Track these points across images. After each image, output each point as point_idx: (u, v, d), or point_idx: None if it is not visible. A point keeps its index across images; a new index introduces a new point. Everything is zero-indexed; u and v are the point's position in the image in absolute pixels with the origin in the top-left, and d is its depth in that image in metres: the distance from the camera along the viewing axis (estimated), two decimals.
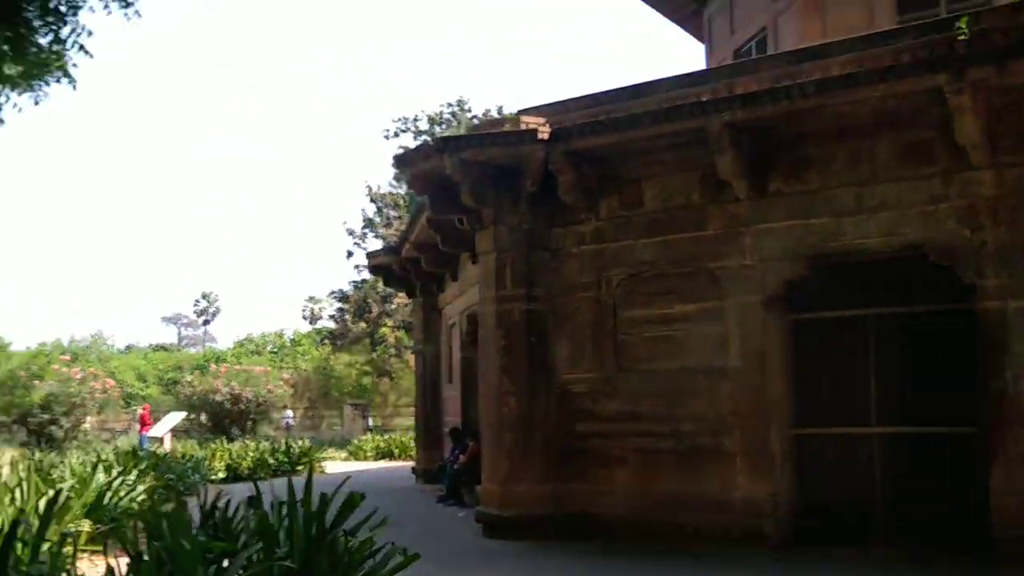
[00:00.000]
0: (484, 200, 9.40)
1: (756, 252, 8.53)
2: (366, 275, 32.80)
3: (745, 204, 8.56)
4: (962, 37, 7.51)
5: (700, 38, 17.78)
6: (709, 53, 15.53)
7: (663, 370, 8.93)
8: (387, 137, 35.38)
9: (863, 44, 8.30)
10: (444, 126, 35.16)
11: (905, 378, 8.24)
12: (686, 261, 8.89)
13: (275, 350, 45.65)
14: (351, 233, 32.22)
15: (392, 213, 32.08)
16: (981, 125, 7.30)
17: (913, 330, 8.21)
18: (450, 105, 35.51)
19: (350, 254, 32.38)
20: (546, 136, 8.86)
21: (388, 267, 15.67)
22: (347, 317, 32.12)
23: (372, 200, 32.55)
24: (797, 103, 7.77)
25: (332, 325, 34.40)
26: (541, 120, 9.28)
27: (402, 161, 9.58)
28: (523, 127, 9.19)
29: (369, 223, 32.26)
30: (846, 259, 8.23)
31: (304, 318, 39.68)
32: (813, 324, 8.59)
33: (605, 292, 9.31)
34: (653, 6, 16.75)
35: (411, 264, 14.97)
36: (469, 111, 35.45)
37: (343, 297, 32.61)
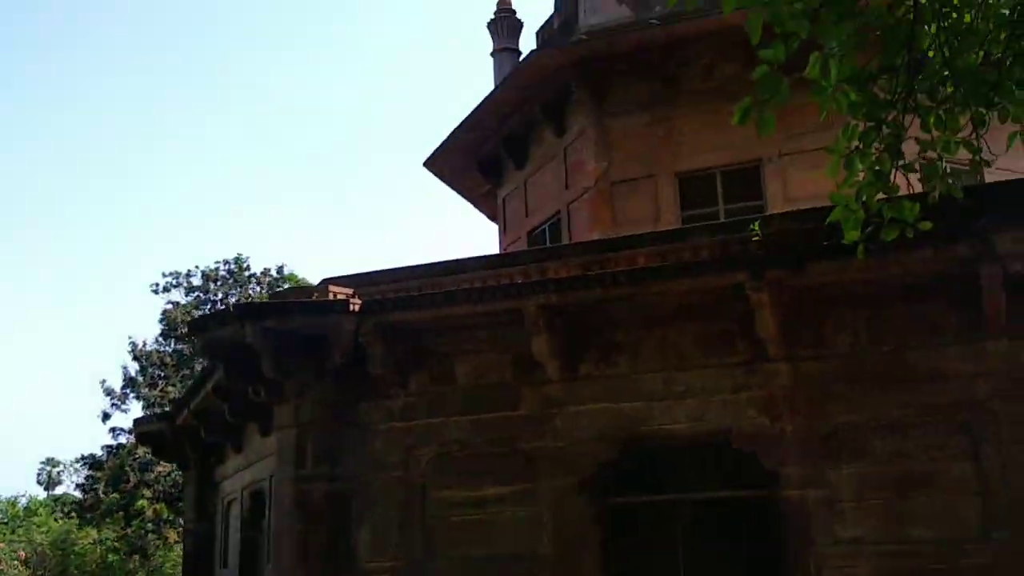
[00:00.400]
0: (287, 371, 8.92)
1: (568, 434, 8.52)
2: (123, 439, 30.29)
3: (558, 385, 8.60)
4: (756, 238, 8.11)
5: (493, 218, 18.39)
6: (503, 233, 16.00)
7: (474, 557, 8.58)
8: (155, 291, 33.68)
9: (666, 238, 8.79)
10: (220, 283, 33.99)
11: (715, 566, 8.33)
12: (499, 441, 8.75)
13: (6, 520, 40.77)
14: (109, 393, 29.86)
15: (158, 373, 30.14)
16: (778, 320, 7.77)
17: (723, 517, 8.39)
18: (227, 263, 34.48)
19: (107, 416, 29.91)
20: (357, 308, 8.61)
21: (159, 434, 14.47)
22: (98, 486, 29.29)
23: (136, 358, 30.51)
24: (610, 291, 8.01)
25: (78, 494, 31.21)
26: (349, 291, 9.04)
27: (198, 326, 8.98)
28: (331, 296, 8.91)
29: (131, 382, 30.09)
30: (657, 444, 8.38)
31: (39, 483, 35.88)
32: (627, 509, 8.60)
33: (414, 471, 8.94)
34: (448, 183, 17.20)
35: (187, 433, 13.91)
36: (248, 269, 34.55)
37: (95, 463, 29.80)
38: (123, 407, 29.91)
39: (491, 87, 16.15)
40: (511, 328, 8.67)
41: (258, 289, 34.43)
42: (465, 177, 16.90)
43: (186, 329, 31.03)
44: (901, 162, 5.80)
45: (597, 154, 13.35)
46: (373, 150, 60.89)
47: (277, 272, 34.84)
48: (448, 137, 15.60)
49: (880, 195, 5.94)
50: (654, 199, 12.92)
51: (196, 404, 12.49)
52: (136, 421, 15.39)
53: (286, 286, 34.44)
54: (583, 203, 13.53)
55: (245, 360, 9.04)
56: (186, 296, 33.68)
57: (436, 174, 16.78)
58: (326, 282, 9.34)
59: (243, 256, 34.80)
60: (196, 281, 34.09)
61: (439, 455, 8.93)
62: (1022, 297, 7.18)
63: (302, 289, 9.37)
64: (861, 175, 6.05)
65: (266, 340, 8.62)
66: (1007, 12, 5.77)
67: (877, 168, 5.98)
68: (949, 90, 5.70)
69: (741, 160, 12.67)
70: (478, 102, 16.01)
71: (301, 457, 8.90)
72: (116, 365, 51.03)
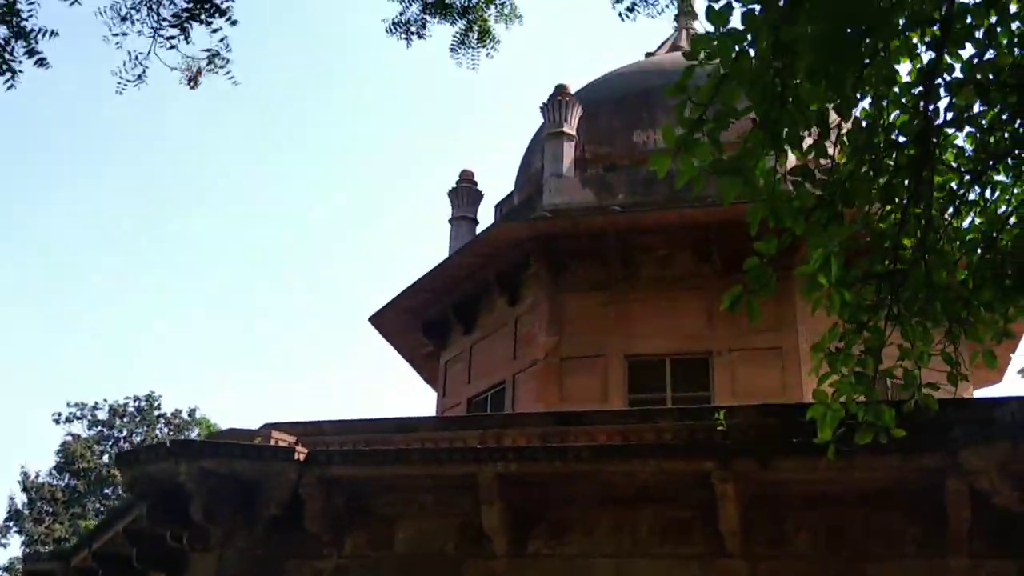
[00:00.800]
0: (216, 518, 8.34)
1: None
2: None
3: (504, 562, 8.17)
4: (720, 427, 8.03)
5: (431, 381, 18.11)
6: (442, 397, 15.70)
7: None
8: (57, 421, 32.09)
9: (628, 418, 8.66)
10: (127, 419, 32.58)
11: None
12: None
13: None
14: None
15: (46, 508, 28.25)
16: (740, 515, 7.58)
17: None
18: (137, 399, 33.20)
19: None
20: (302, 457, 8.17)
21: (50, 575, 13.31)
22: None
23: (25, 489, 28.63)
24: (571, 465, 7.78)
25: None
26: (291, 438, 8.63)
27: (128, 459, 8.39)
28: (273, 443, 8.48)
29: (16, 515, 28.10)
30: None
31: None
32: None
33: None
34: (391, 340, 16.98)
35: None
36: (159, 408, 33.27)
37: None
38: (2, 541, 27.80)
39: (445, 252, 16.30)
40: (460, 495, 8.32)
41: (166, 430, 33.10)
42: (408, 336, 16.69)
43: (83, 464, 29.48)
44: (881, 367, 5.85)
45: (549, 328, 13.35)
46: (314, 303, 60.55)
47: (189, 415, 33.64)
48: (400, 294, 15.50)
49: (861, 398, 5.96)
50: (603, 379, 12.86)
51: (100, 545, 11.58)
52: (27, 557, 14.20)
53: (195, 430, 33.20)
54: (531, 375, 13.40)
55: (171, 501, 8.45)
56: (88, 429, 32.16)
57: (379, 329, 16.54)
58: (268, 427, 8.90)
59: (155, 394, 33.61)
60: (102, 415, 32.68)
61: None
62: (986, 515, 7.14)
63: (240, 432, 8.90)
64: (843, 373, 6.07)
65: (200, 481, 8.08)
66: (978, 236, 6.02)
67: (859, 370, 6.01)
68: (926, 303, 5.82)
69: (691, 350, 12.77)
70: (431, 265, 16.16)
71: None
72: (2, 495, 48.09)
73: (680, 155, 4.65)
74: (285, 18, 59.47)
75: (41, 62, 6.07)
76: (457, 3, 7.58)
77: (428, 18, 7.63)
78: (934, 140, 5.30)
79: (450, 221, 17.00)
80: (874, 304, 5.86)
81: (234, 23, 6.17)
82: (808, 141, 5.35)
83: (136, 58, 6.07)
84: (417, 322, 16.04)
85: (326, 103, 65.77)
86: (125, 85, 6.16)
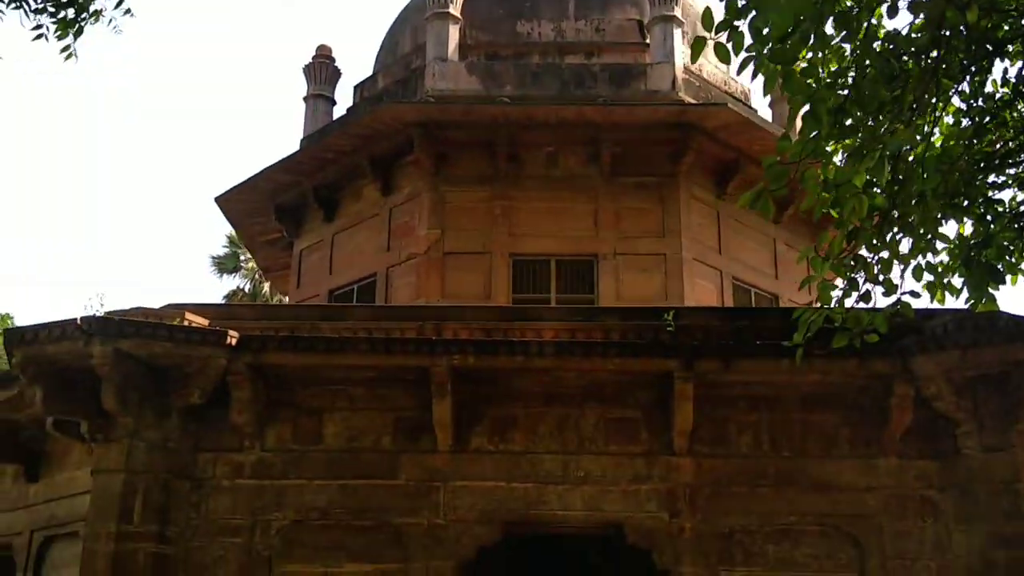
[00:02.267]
0: (126, 405, 7.43)
1: (451, 511, 7.75)
2: None
3: (444, 456, 7.85)
4: (669, 328, 8.04)
5: (269, 269, 17.15)
6: (295, 288, 14.84)
7: None
8: None
9: (572, 315, 8.47)
10: None
11: None
12: (367, 512, 7.78)
13: None
14: None
15: None
16: (695, 414, 7.64)
17: None
18: None
19: None
20: (233, 342, 7.40)
21: None
22: None
23: None
24: (533, 361, 7.52)
25: None
26: (204, 321, 7.82)
27: (21, 338, 7.23)
28: (188, 324, 7.63)
29: None
30: (546, 529, 7.85)
31: None
32: None
33: (260, 540, 7.69)
34: (234, 224, 15.83)
35: None
36: None
37: None
38: None
39: (298, 132, 15.29)
40: (396, 388, 7.91)
41: None
42: (256, 221, 15.59)
43: None
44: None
45: (431, 221, 12.81)
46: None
47: None
48: (257, 175, 14.33)
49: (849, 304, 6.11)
50: (487, 276, 12.54)
51: None
52: None
53: None
54: (408, 268, 12.86)
55: (73, 385, 7.45)
56: None
57: (224, 211, 15.32)
58: (179, 307, 8.01)
59: None
60: None
61: (293, 523, 7.77)
62: (922, 419, 7.59)
63: (147, 311, 7.90)
64: (833, 282, 6.18)
65: (116, 364, 7.14)
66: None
67: (853, 276, 6.13)
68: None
69: (577, 252, 12.69)
70: (293, 143, 15.12)
71: (125, 511, 7.36)
72: None
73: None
74: None
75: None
76: None
77: None
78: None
79: (305, 99, 15.89)
80: (881, 212, 5.96)
81: None
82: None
83: None
84: (270, 206, 14.97)
85: None
86: None
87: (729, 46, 4.95)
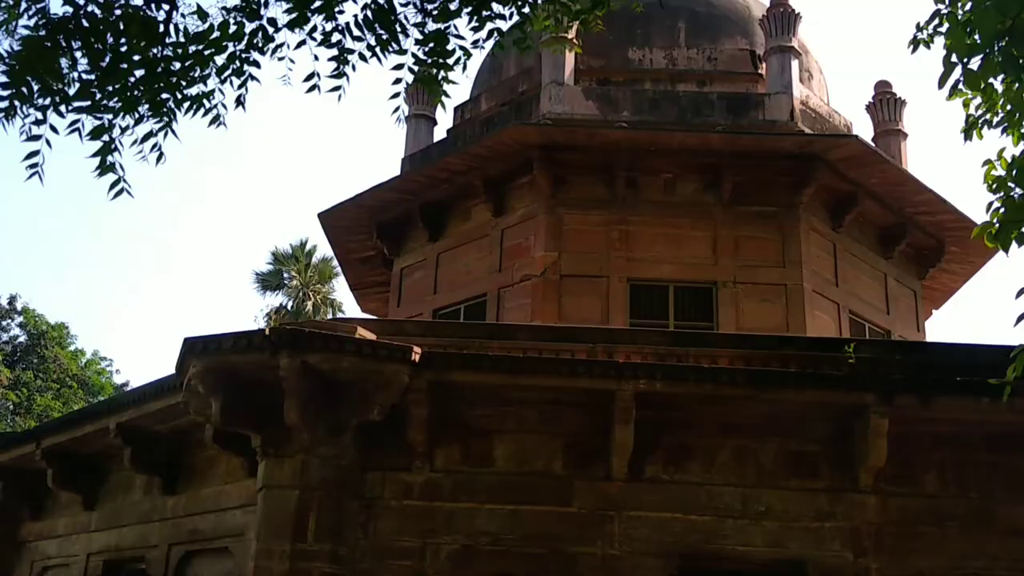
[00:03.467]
0: (305, 420, 7.23)
1: (626, 542, 7.50)
2: None
3: (619, 484, 7.60)
4: (850, 361, 7.79)
5: (355, 287, 16.99)
6: (396, 306, 14.68)
7: None
8: None
9: (742, 344, 8.25)
10: None
11: None
12: (539, 539, 7.52)
13: None
14: None
15: None
16: (889, 450, 7.38)
17: None
18: None
19: None
20: (417, 358, 7.20)
21: None
22: None
23: None
24: (723, 389, 7.29)
25: None
26: (373, 336, 7.63)
27: (204, 347, 7.04)
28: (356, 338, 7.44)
29: None
30: (722, 564, 7.57)
31: None
32: None
33: (430, 564, 7.45)
34: (332, 240, 15.67)
35: (4, 475, 11.13)
36: None
37: None
38: None
39: (398, 152, 15.24)
40: (566, 411, 7.69)
41: None
42: (354, 238, 15.47)
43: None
44: None
45: (547, 243, 12.65)
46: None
47: (8, 302, 30.25)
48: (362, 192, 14.24)
49: None
50: (604, 301, 12.35)
51: (52, 440, 10.02)
52: None
53: (18, 319, 29.98)
54: (523, 290, 12.67)
55: (251, 397, 7.26)
56: None
57: (324, 227, 15.21)
58: (347, 321, 7.84)
59: None
60: None
61: (463, 548, 7.52)
62: None
63: (318, 324, 7.73)
64: None
65: (301, 378, 6.95)
66: None
67: None
68: None
69: (696, 279, 12.49)
70: (400, 161, 15.02)
71: (300, 529, 7.13)
72: None
73: None
74: None
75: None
76: None
77: None
78: None
79: (407, 119, 15.73)
80: None
81: None
82: None
83: None
84: (371, 223, 14.85)
85: None
86: None
87: None
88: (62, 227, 54.87)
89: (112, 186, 4.54)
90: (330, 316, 39.84)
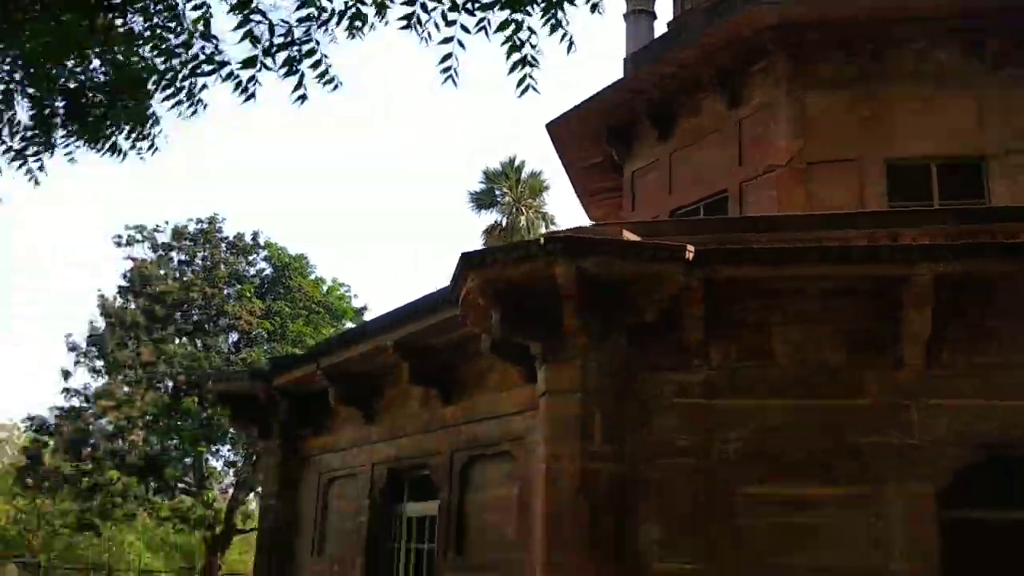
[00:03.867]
0: (583, 326, 7.27)
1: (925, 431, 7.13)
2: (76, 402, 27.35)
3: (913, 372, 7.21)
4: None
5: (584, 194, 16.92)
6: (631, 210, 14.52)
7: (796, 566, 7.09)
8: (118, 244, 30.82)
9: None
10: (192, 242, 31.35)
11: None
12: (827, 432, 7.29)
13: None
14: (73, 348, 26.86)
15: (127, 334, 27.27)
16: None
17: None
18: (199, 221, 31.86)
19: (68, 374, 26.85)
20: (691, 256, 7.04)
21: (248, 396, 12.43)
22: (44, 452, 26.13)
23: (104, 314, 27.60)
24: None
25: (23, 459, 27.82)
26: (635, 237, 7.49)
27: (482, 260, 7.20)
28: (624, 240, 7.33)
29: (98, 339, 27.18)
30: None
31: None
32: (971, 526, 7.25)
33: (715, 461, 7.40)
34: (560, 150, 15.62)
35: (286, 395, 12.01)
36: (220, 231, 32.01)
37: (46, 427, 26.55)
38: (85, 362, 26.96)
39: (620, 51, 14.82)
40: (843, 300, 7.32)
41: (229, 256, 31.99)
42: (578, 146, 15.35)
43: (159, 287, 28.42)
44: None
45: (791, 131, 12.04)
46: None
47: (252, 238, 32.45)
48: (589, 98, 14.06)
49: None
50: (858, 186, 11.68)
51: (331, 362, 10.66)
52: (218, 377, 13.30)
53: (263, 253, 32.12)
54: (766, 182, 12.18)
55: (523, 307, 7.37)
56: (153, 252, 30.99)
57: (552, 137, 15.16)
58: (613, 226, 7.76)
59: (218, 216, 32.31)
60: (164, 237, 31.43)
61: (747, 444, 7.40)
62: None
63: (584, 229, 7.74)
64: None
65: (579, 283, 6.97)
66: None
67: None
68: None
69: (961, 154, 11.56)
70: (622, 61, 14.69)
71: (586, 430, 7.24)
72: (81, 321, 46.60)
73: None
74: None
75: None
76: None
77: None
78: None
79: (625, 16, 15.37)
80: None
81: None
82: None
83: None
84: (599, 129, 14.67)
85: None
86: None
87: None
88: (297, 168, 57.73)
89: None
90: (543, 229, 40.38)
